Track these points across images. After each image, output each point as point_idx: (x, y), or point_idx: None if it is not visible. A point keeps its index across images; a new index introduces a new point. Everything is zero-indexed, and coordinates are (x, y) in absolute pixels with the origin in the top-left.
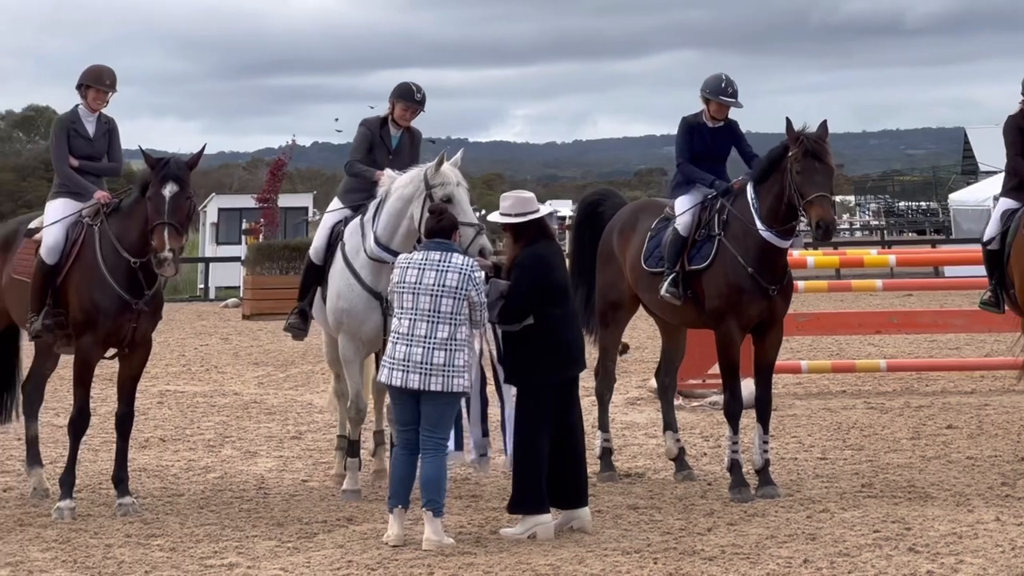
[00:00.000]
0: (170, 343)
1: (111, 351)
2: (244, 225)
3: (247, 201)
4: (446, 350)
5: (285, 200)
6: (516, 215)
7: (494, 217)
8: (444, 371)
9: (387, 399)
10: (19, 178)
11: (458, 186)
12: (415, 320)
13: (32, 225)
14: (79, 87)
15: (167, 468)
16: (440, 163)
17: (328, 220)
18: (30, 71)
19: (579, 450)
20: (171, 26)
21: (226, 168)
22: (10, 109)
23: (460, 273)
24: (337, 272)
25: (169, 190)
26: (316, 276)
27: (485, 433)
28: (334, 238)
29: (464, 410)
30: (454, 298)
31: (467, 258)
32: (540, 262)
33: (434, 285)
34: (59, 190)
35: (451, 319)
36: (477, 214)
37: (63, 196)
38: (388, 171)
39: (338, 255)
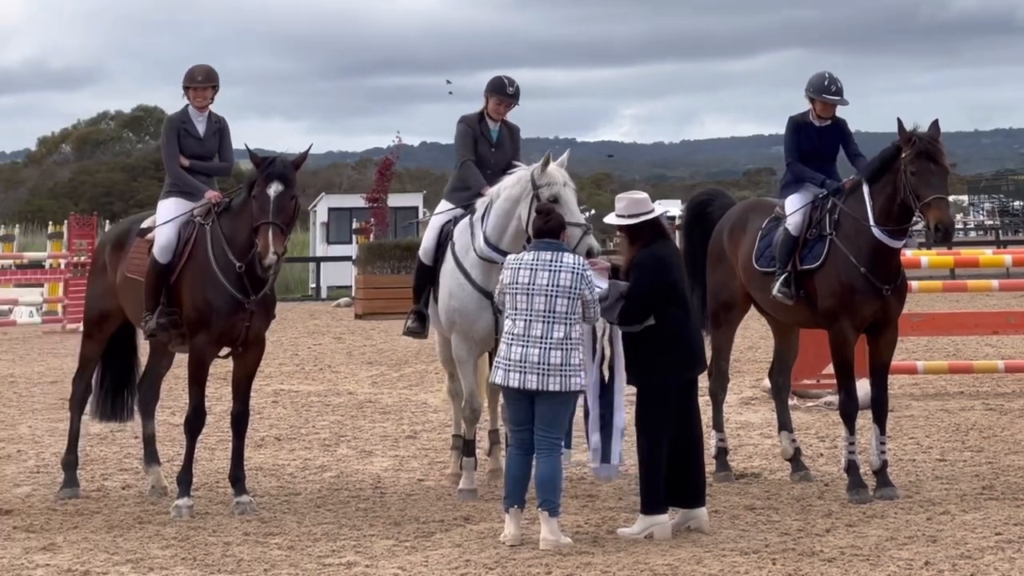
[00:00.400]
0: (283, 342)
1: (225, 350)
2: (354, 225)
3: (357, 201)
4: (562, 349)
5: (395, 200)
6: (630, 216)
7: (610, 219)
8: (561, 371)
9: (501, 399)
10: (129, 178)
11: (565, 186)
12: (530, 321)
13: (144, 224)
14: (184, 88)
15: (283, 467)
16: (546, 163)
17: (437, 220)
18: (137, 71)
19: (698, 450)
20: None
21: (335, 168)
22: (119, 109)
23: (573, 272)
24: (448, 272)
25: (274, 189)
26: (428, 276)
27: (607, 440)
28: (443, 238)
29: (582, 413)
30: (568, 297)
31: (578, 257)
32: (659, 262)
33: (548, 285)
34: (170, 189)
35: (566, 319)
36: (585, 214)
37: (174, 195)
38: (491, 189)
39: (448, 255)
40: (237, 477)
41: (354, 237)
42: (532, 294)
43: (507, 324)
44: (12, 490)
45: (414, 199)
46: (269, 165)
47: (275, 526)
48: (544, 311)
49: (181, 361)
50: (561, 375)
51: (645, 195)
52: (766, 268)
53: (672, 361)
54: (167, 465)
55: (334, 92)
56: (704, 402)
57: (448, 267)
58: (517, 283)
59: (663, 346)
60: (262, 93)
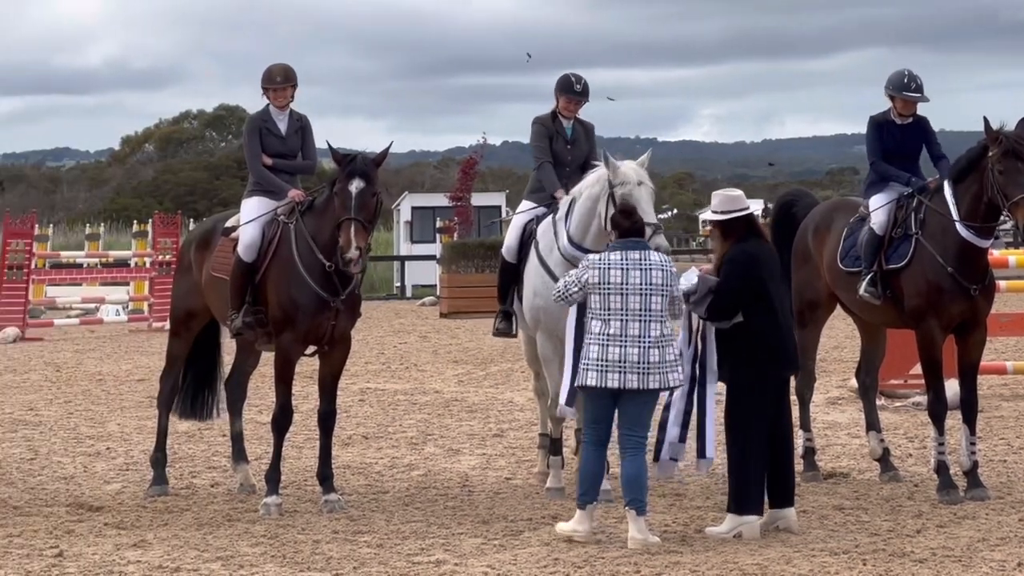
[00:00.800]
0: (369, 341)
1: (311, 348)
2: (438, 224)
3: (440, 200)
4: (659, 347)
5: (478, 199)
6: (723, 212)
7: (705, 215)
8: (660, 368)
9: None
10: (212, 177)
11: (639, 185)
12: (626, 320)
13: (229, 223)
14: (263, 89)
15: (371, 465)
16: (607, 162)
17: (520, 219)
18: (218, 71)
19: (788, 450)
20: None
21: (417, 167)
22: (201, 109)
23: (663, 270)
24: (532, 270)
25: (356, 186)
26: (512, 275)
27: (683, 439)
28: (527, 236)
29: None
30: (661, 295)
31: (663, 254)
32: (749, 259)
33: (641, 284)
34: (254, 188)
35: (661, 316)
36: (668, 213)
37: (258, 194)
38: (573, 188)
39: (532, 253)
40: (325, 475)
41: (438, 236)
42: (626, 293)
43: (595, 325)
44: (102, 487)
45: (497, 198)
46: (350, 162)
47: (364, 524)
48: (640, 310)
49: (268, 359)
50: (660, 372)
51: (740, 192)
52: (851, 268)
53: (761, 360)
54: (255, 463)
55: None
56: (790, 401)
57: (532, 265)
58: (609, 283)
59: (752, 344)
60: (343, 92)
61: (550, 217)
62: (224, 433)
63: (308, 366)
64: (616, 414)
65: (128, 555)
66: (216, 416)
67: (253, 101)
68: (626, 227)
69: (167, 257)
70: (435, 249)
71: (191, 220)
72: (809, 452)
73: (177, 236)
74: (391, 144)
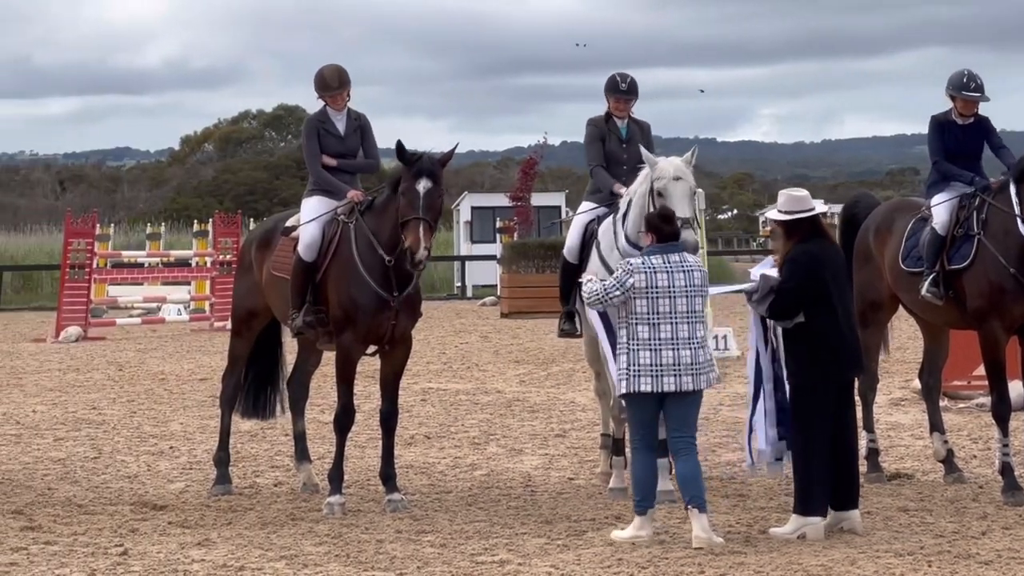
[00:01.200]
0: (430, 341)
1: (372, 348)
2: (498, 224)
3: (500, 200)
4: (703, 348)
5: (538, 199)
6: (787, 212)
7: (770, 214)
8: (706, 368)
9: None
10: (272, 177)
11: (675, 180)
12: (676, 323)
13: (289, 223)
14: (318, 95)
15: (433, 465)
16: (661, 158)
17: (581, 219)
18: (278, 71)
19: (852, 452)
20: (414, 26)
21: (477, 167)
22: (261, 109)
23: (700, 272)
24: (593, 270)
25: (423, 186)
26: (573, 275)
27: (783, 436)
28: (588, 236)
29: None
30: (702, 296)
31: (696, 257)
32: (811, 260)
33: (686, 286)
34: (314, 188)
35: (701, 317)
36: (728, 213)
37: (318, 194)
38: (629, 187)
39: (594, 253)
40: (388, 475)
41: (498, 236)
42: (674, 296)
43: (642, 330)
44: (166, 486)
45: (556, 198)
46: (417, 162)
47: (427, 524)
48: (686, 312)
49: (330, 358)
50: (707, 372)
51: (806, 193)
52: (913, 268)
53: (823, 360)
54: (318, 463)
55: (474, 92)
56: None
57: (594, 266)
58: (657, 287)
59: (814, 345)
60: (402, 92)
61: (610, 217)
62: (287, 432)
63: (370, 365)
64: (662, 417)
65: (192, 554)
66: (279, 415)
67: (312, 101)
68: (667, 232)
69: (228, 257)
70: (495, 249)
71: (251, 220)
72: (873, 453)
73: (237, 236)
74: (457, 145)
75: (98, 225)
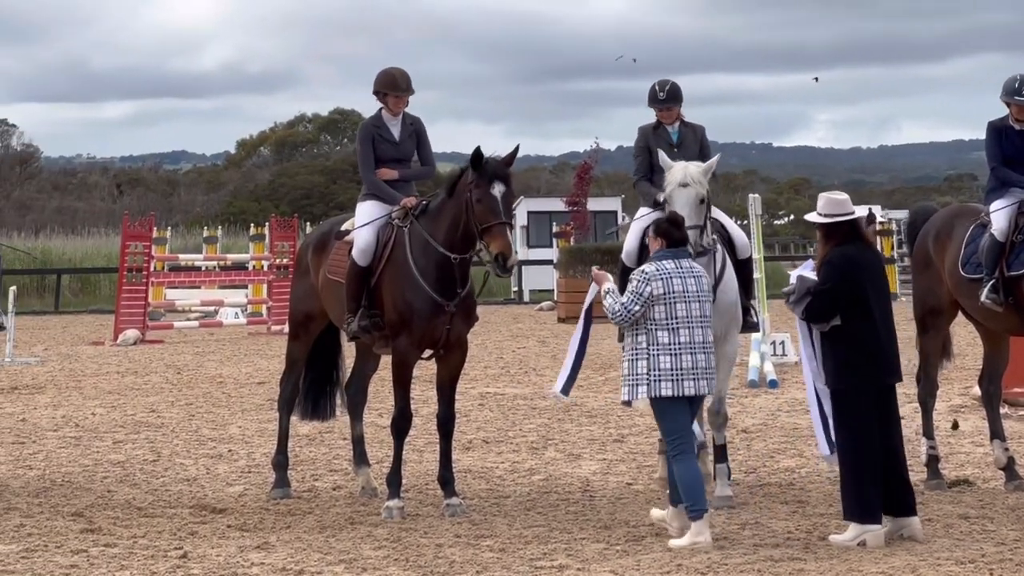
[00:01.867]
0: (487, 345)
1: (428, 352)
2: (554, 228)
3: (556, 204)
4: (713, 353)
5: (594, 203)
6: (827, 215)
7: (810, 216)
8: (713, 374)
9: (710, 403)
10: (328, 181)
11: (680, 187)
12: (693, 328)
13: (344, 227)
14: (376, 93)
15: (492, 470)
16: (676, 163)
17: (639, 224)
18: (333, 75)
19: (900, 459)
20: (468, 29)
21: (533, 171)
22: (316, 112)
23: (705, 276)
24: None
25: (499, 190)
26: None
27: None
28: (645, 240)
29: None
30: (709, 301)
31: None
32: (848, 262)
33: (697, 291)
34: (368, 193)
35: (710, 322)
36: (783, 219)
37: (372, 198)
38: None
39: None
40: (446, 479)
41: (554, 240)
42: (689, 301)
43: (662, 335)
44: (225, 489)
45: (613, 203)
46: (488, 166)
47: (486, 528)
48: (700, 316)
49: (387, 362)
50: (713, 378)
51: (846, 196)
52: (973, 275)
53: (858, 365)
54: (376, 467)
55: (529, 96)
56: (913, 409)
57: None
58: (674, 291)
59: (851, 349)
60: (457, 96)
61: None
62: (345, 436)
63: (428, 370)
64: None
65: (252, 557)
66: (339, 416)
67: (368, 105)
68: (676, 237)
69: (284, 260)
70: (552, 254)
71: (307, 224)
72: (933, 460)
73: (294, 239)
74: (518, 147)
75: (155, 228)
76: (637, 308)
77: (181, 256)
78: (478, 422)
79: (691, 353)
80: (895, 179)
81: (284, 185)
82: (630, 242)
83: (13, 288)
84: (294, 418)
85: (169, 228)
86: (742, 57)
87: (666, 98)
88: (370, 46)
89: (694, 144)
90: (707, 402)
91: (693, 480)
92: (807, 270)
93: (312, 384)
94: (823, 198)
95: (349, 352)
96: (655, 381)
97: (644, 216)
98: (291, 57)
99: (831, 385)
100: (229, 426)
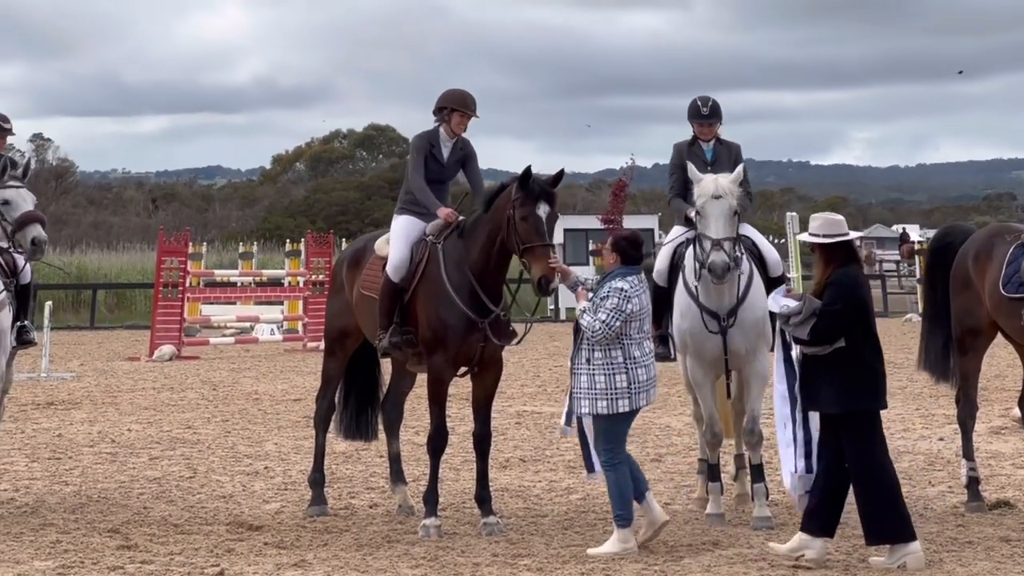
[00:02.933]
0: (524, 364)
1: (463, 369)
2: (591, 246)
3: (592, 222)
4: (653, 365)
5: (630, 221)
6: (825, 236)
7: (803, 237)
8: (653, 384)
9: (744, 422)
10: (364, 197)
11: (713, 199)
12: (642, 342)
13: (378, 243)
14: (440, 110)
15: (529, 488)
16: (705, 175)
17: (672, 245)
18: (367, 90)
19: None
20: (502, 45)
21: (568, 189)
22: (351, 128)
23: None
24: (678, 294)
25: (544, 210)
26: (665, 299)
27: (809, 469)
28: (676, 260)
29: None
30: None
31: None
32: (853, 282)
33: (644, 306)
34: (403, 207)
35: (648, 335)
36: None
37: (407, 213)
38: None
39: (680, 277)
40: (483, 498)
41: (590, 258)
42: (642, 318)
43: (637, 350)
44: (262, 506)
45: (649, 221)
46: (536, 185)
47: (523, 547)
48: (645, 331)
49: (423, 380)
50: (652, 389)
51: (841, 217)
52: (1014, 294)
53: (868, 387)
54: (413, 484)
55: (563, 112)
56: (953, 430)
57: (679, 289)
58: (643, 308)
59: (857, 369)
60: (490, 112)
61: (697, 240)
62: (382, 454)
63: (464, 388)
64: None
65: (289, 575)
66: (379, 436)
67: (403, 120)
68: (633, 256)
69: (320, 276)
70: (588, 272)
71: (343, 240)
72: (973, 482)
73: (330, 256)
74: (562, 171)
75: (191, 243)
76: (618, 324)
77: (217, 272)
78: (515, 440)
79: (644, 367)
80: (933, 198)
81: (319, 201)
82: (661, 261)
83: (49, 303)
84: (333, 436)
85: (204, 243)
86: (777, 74)
87: (709, 114)
88: (403, 61)
89: (729, 163)
90: (743, 422)
91: (625, 489)
92: (781, 294)
93: (352, 402)
94: (819, 219)
95: (386, 370)
96: (612, 399)
97: (677, 237)
98: (324, 72)
99: (834, 409)
100: (265, 443)
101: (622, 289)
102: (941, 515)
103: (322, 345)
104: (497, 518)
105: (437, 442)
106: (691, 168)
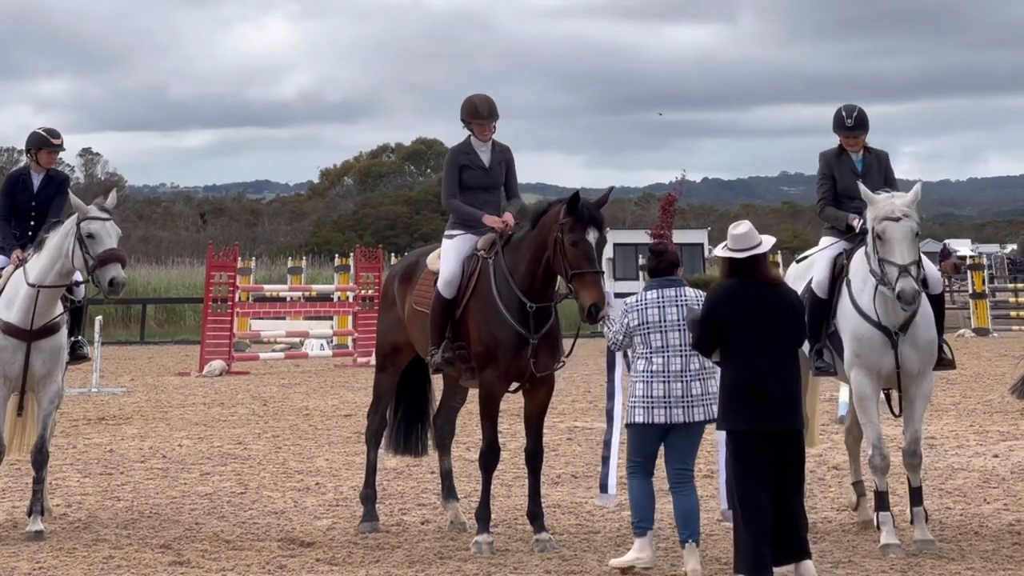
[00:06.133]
0: (575, 379)
1: (515, 385)
2: (640, 261)
3: (642, 236)
4: (700, 380)
5: (679, 236)
6: (736, 250)
7: (717, 251)
8: (703, 400)
9: (905, 444)
10: (412, 211)
11: (895, 221)
12: (668, 356)
13: (430, 258)
14: (463, 121)
15: (581, 505)
16: (880, 195)
17: (828, 253)
18: (415, 104)
19: (794, 511)
20: (549, 59)
21: (617, 203)
22: (399, 142)
23: (699, 304)
24: (846, 308)
25: (593, 236)
26: (824, 311)
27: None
28: (837, 271)
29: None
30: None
31: (697, 290)
32: (722, 296)
33: (678, 320)
34: (455, 223)
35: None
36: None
37: (458, 229)
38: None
39: (844, 291)
40: (535, 514)
41: (640, 273)
42: (666, 330)
43: (640, 364)
44: (313, 522)
45: (699, 235)
46: (585, 210)
47: (576, 564)
48: (679, 345)
49: (476, 396)
50: (703, 404)
51: (747, 228)
52: None
53: (731, 406)
54: (465, 501)
55: (612, 127)
56: (1007, 447)
57: (845, 303)
58: (648, 322)
59: (724, 389)
60: (539, 127)
61: (861, 250)
62: (433, 470)
63: (516, 403)
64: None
65: None
66: (430, 452)
67: (451, 134)
68: (652, 267)
69: (370, 291)
70: (638, 287)
71: (392, 255)
72: None
73: (379, 270)
74: (611, 189)
75: (239, 258)
76: (621, 338)
77: (266, 287)
78: (567, 456)
79: (664, 382)
80: (985, 212)
81: (368, 215)
82: (821, 271)
83: (99, 318)
84: (384, 452)
85: (253, 258)
86: (823, 87)
87: (854, 125)
88: (451, 75)
89: (879, 173)
90: (903, 443)
91: (644, 497)
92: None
93: (403, 418)
94: (728, 234)
95: (437, 385)
96: (631, 408)
97: (833, 244)
98: (371, 86)
99: (719, 426)
100: (316, 459)
101: (625, 302)
102: (996, 533)
103: (372, 360)
104: (549, 534)
105: (489, 458)
106: (863, 188)
